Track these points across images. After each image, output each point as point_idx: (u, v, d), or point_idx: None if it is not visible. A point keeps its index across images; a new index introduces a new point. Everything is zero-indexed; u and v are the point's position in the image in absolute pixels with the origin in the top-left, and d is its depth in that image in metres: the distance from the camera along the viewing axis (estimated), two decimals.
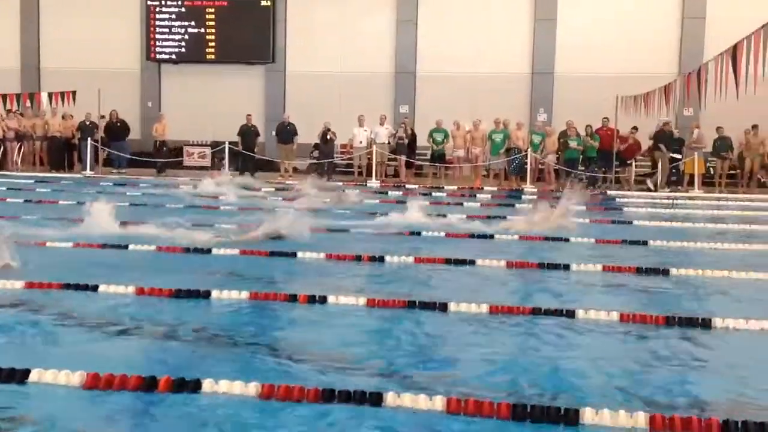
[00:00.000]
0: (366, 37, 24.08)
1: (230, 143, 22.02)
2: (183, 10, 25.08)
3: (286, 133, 22.25)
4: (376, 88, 23.98)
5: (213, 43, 25.05)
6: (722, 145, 20.30)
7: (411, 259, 8.92)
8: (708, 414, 4.27)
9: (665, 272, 8.49)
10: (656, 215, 14.25)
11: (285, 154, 22.31)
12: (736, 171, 20.73)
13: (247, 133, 22.43)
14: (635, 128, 20.69)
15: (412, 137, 22.07)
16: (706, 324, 6.29)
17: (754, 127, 19.87)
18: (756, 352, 5.81)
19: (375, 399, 4.33)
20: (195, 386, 4.49)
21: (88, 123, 22.29)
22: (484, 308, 6.56)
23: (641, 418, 4.17)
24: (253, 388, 4.46)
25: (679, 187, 20.06)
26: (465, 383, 4.78)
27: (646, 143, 20.75)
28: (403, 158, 21.57)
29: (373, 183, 20.64)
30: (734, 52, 13.02)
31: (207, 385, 4.51)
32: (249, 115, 22.70)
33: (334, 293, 6.87)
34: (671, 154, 20.10)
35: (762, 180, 20.57)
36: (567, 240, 10.74)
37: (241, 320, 6.26)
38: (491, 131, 21.31)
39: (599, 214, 14.58)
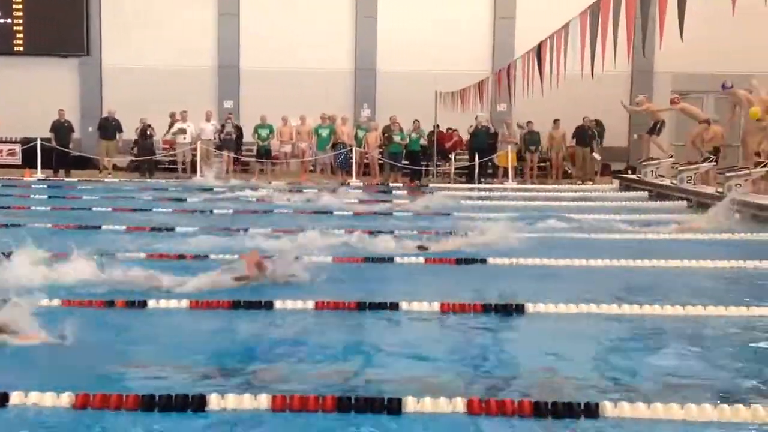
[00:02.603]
0: (186, 31, 23.40)
1: (42, 140, 20.79)
2: None
3: (109, 128, 21.33)
4: (199, 83, 23.40)
5: (21, 35, 23.50)
6: (531, 139, 21.56)
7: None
8: (521, 396, 4.52)
9: (483, 261, 8.89)
10: (474, 207, 14.83)
11: (107, 150, 21.38)
12: (545, 163, 22.10)
13: (60, 128, 21.29)
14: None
15: (238, 133, 21.81)
16: (519, 310, 6.64)
17: (556, 121, 21.29)
18: (565, 334, 6.20)
19: (198, 402, 4.26)
20: (2, 399, 4.23)
21: None
22: (310, 304, 6.60)
23: (460, 404, 4.35)
24: (66, 398, 4.26)
25: (494, 180, 21.06)
26: (291, 380, 4.79)
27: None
28: (227, 154, 21.28)
29: (199, 179, 20.21)
30: (539, 50, 13.77)
31: (16, 397, 4.27)
32: (61, 110, 21.56)
33: (155, 297, 6.67)
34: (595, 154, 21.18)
35: (568, 171, 22.01)
36: (392, 232, 10.99)
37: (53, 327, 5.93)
38: (317, 126, 21.45)
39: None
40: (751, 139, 14.92)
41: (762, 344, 5.92)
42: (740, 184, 14.11)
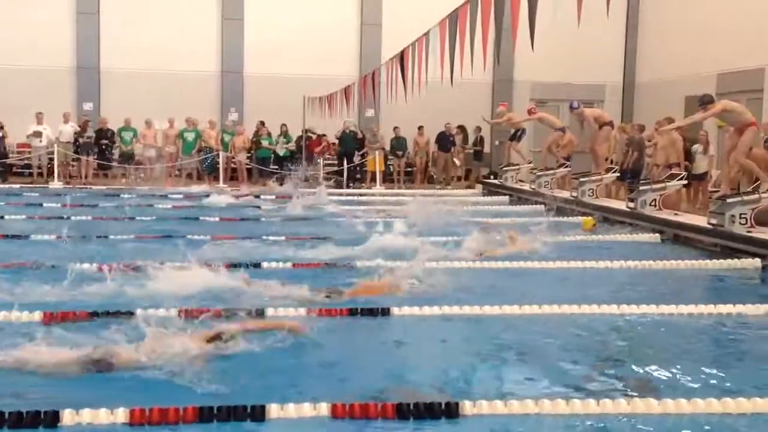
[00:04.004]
0: (42, 28, 22.25)
1: None
2: None
3: None
4: (55, 84, 22.34)
5: None
6: (398, 144, 21.99)
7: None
8: (384, 398, 4.59)
9: (351, 267, 8.93)
10: (347, 212, 14.87)
11: None
12: (412, 168, 22.58)
13: None
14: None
15: (100, 136, 20.90)
16: (385, 312, 6.73)
17: (420, 128, 21.86)
18: (429, 336, 6.34)
19: (51, 419, 4.09)
20: None
21: None
22: (173, 312, 6.45)
23: (324, 408, 4.38)
24: None
25: (363, 184, 21.27)
26: (149, 392, 4.67)
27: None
28: (86, 158, 20.49)
29: (56, 184, 19.36)
30: (401, 57, 13.97)
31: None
32: None
33: None
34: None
35: (433, 176, 22.55)
36: (260, 237, 10.95)
37: None
38: (182, 130, 21.01)
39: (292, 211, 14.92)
40: (600, 147, 15.78)
41: (610, 339, 6.28)
42: (593, 190, 14.87)
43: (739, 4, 19.26)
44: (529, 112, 18.53)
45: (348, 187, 20.72)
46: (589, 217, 12.87)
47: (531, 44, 8.33)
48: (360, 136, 22.03)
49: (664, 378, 5.28)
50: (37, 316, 6.28)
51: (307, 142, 21.55)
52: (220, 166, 20.60)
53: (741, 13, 19.08)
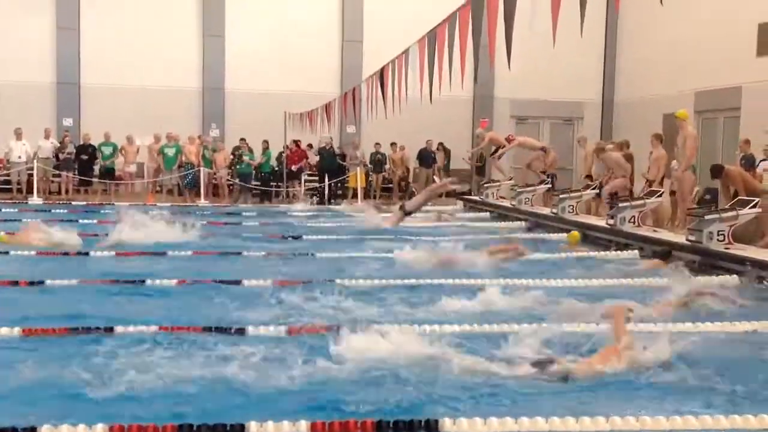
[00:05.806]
0: (22, 44, 22.16)
1: None
2: None
3: None
4: (35, 100, 22.25)
5: None
6: (378, 160, 22.11)
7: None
8: (363, 416, 4.58)
9: (331, 281, 8.90)
10: (322, 228, 14.84)
11: None
12: (390, 184, 22.71)
13: None
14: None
15: (80, 151, 20.79)
16: None
17: (392, 144, 22.00)
18: (402, 352, 6.25)
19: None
20: None
21: None
22: (154, 328, 6.43)
23: (303, 426, 4.37)
24: None
25: (344, 200, 21.29)
26: (131, 408, 4.65)
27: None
28: (67, 174, 20.40)
29: (35, 200, 19.23)
30: (381, 74, 14.00)
31: None
32: None
33: None
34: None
35: (414, 192, 22.62)
36: (239, 253, 10.93)
37: None
38: (163, 146, 20.96)
39: (272, 227, 14.90)
40: (580, 164, 16.00)
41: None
42: (573, 206, 14.96)
43: (717, 24, 19.54)
44: (508, 139, 18.84)
45: (329, 203, 20.73)
46: (575, 232, 12.91)
47: (508, 64, 8.40)
48: (339, 152, 22.14)
49: (638, 395, 5.32)
50: None
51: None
52: (201, 182, 20.54)
53: (719, 32, 19.35)
